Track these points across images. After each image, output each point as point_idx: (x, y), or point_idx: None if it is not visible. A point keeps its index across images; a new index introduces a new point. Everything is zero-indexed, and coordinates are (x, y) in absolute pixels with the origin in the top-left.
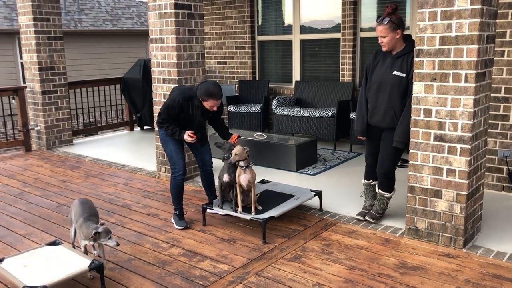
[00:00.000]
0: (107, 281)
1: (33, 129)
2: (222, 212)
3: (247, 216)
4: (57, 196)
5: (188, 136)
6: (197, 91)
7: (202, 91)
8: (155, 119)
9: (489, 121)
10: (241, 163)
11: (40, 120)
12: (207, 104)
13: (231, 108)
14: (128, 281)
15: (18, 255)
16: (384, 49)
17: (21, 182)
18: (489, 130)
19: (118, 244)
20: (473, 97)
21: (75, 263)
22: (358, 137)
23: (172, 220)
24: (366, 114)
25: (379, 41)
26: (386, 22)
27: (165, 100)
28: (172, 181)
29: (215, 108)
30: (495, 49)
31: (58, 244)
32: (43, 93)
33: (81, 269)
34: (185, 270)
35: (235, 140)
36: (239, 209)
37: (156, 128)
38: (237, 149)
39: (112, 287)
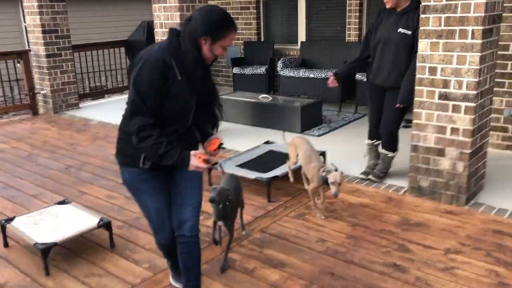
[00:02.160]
0: (116, 238)
1: (39, 93)
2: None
3: (252, 176)
4: (65, 158)
5: (199, 161)
6: (195, 30)
7: (212, 23)
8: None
9: (496, 80)
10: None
11: (45, 83)
12: (223, 44)
13: (236, 70)
14: (137, 238)
15: (28, 213)
16: (388, 5)
17: (30, 145)
18: (495, 89)
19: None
20: (479, 54)
21: (84, 221)
22: (329, 83)
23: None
24: (352, 65)
25: None
26: None
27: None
28: (157, 244)
29: (224, 53)
30: (504, 5)
31: (67, 203)
32: (47, 56)
33: (90, 226)
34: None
35: (216, 149)
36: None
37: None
38: (336, 176)
39: (121, 244)
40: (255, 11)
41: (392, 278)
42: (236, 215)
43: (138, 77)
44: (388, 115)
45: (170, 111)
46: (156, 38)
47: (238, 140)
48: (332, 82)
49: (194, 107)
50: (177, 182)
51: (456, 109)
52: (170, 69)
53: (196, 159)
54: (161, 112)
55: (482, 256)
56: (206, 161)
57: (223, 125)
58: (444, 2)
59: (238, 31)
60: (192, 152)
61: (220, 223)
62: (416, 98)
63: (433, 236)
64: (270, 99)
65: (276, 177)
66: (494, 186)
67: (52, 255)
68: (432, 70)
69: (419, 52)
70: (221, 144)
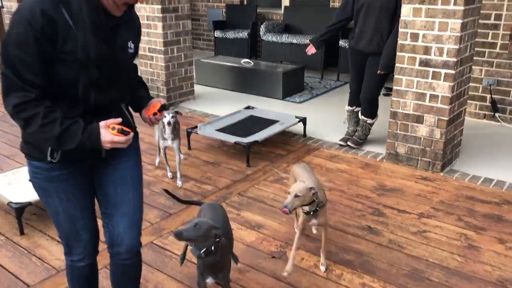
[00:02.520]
0: None
1: None
2: (210, 134)
3: (232, 140)
4: None
5: (112, 131)
6: None
7: None
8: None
9: (476, 49)
10: (306, 208)
11: None
12: None
13: (217, 33)
14: None
15: (2, 173)
16: None
17: None
18: (475, 58)
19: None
20: (460, 21)
21: None
22: (307, 51)
23: None
24: (328, 29)
25: None
26: None
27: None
28: (68, 269)
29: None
30: None
31: None
32: None
33: None
34: (170, 190)
35: (157, 113)
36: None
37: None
38: (297, 188)
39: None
40: None
41: (365, 240)
42: (230, 262)
43: (7, 41)
44: (368, 82)
45: (68, 80)
46: None
47: (218, 105)
48: (310, 50)
49: (115, 72)
50: (104, 185)
51: (436, 76)
52: (56, 22)
53: (108, 132)
54: (52, 83)
55: (454, 220)
56: (123, 132)
57: (203, 89)
58: None
59: None
60: (102, 123)
61: (209, 280)
62: (396, 64)
63: (407, 201)
64: (252, 64)
65: (256, 142)
66: (470, 154)
67: (27, 215)
68: (414, 36)
69: (402, 18)
70: (164, 105)
